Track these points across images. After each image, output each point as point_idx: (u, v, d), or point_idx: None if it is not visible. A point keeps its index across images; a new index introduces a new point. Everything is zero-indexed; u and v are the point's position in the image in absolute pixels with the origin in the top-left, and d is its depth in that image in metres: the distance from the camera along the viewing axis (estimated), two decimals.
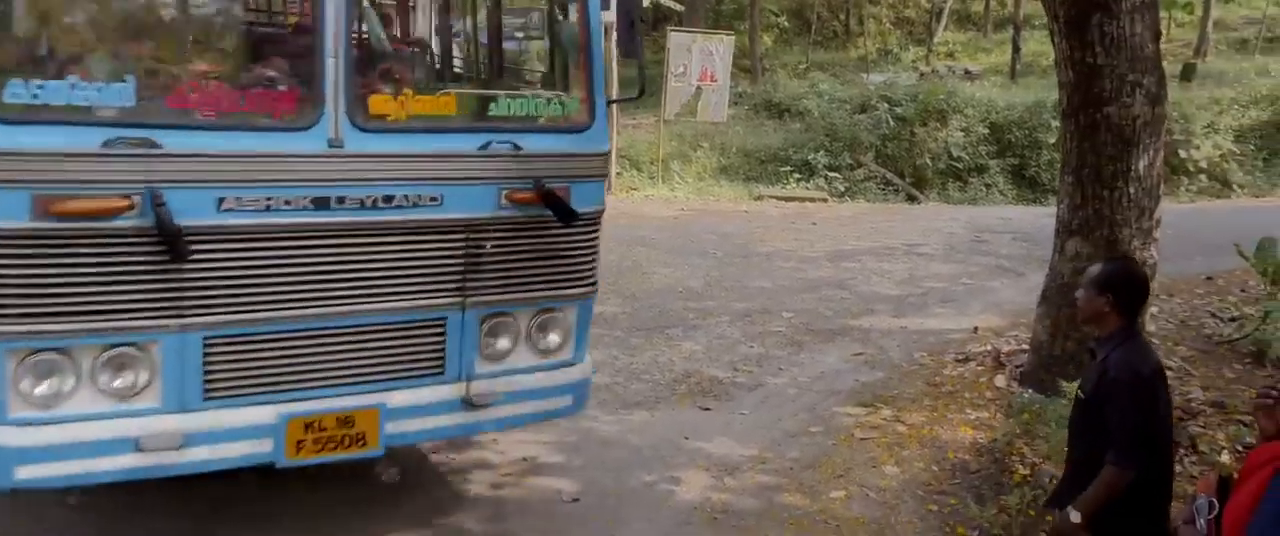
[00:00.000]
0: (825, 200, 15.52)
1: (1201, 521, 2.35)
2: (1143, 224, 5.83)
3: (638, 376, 6.63)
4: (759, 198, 15.34)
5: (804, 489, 4.99)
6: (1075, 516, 2.99)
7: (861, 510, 4.78)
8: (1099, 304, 3.10)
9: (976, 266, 10.13)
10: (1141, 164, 5.77)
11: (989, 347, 7.09)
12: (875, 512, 4.76)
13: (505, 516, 4.67)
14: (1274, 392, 2.35)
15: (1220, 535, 2.31)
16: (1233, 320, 7.47)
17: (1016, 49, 24.00)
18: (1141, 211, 5.82)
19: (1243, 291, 8.49)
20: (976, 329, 7.75)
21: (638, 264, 9.84)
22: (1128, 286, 3.12)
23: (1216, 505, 2.35)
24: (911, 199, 16.46)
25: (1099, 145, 5.78)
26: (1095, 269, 3.21)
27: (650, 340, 7.40)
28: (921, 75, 22.41)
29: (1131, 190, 5.78)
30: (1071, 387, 5.25)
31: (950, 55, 27.77)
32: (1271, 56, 22.44)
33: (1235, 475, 2.44)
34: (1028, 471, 4.93)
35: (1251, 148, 17.99)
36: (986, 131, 17.48)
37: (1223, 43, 26.63)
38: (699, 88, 15.50)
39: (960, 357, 7.02)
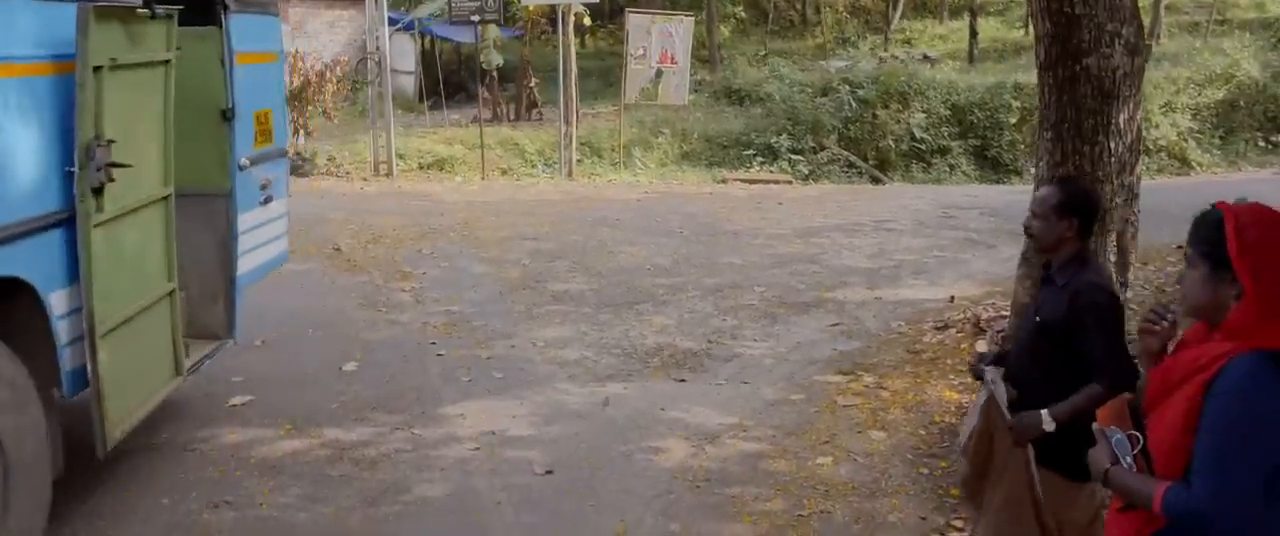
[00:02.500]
0: (790, 182, 15.37)
1: (1127, 459, 2.09)
2: (1124, 179, 5.66)
3: (608, 350, 6.37)
4: (723, 180, 15.16)
5: (789, 455, 4.76)
6: (1049, 423, 2.86)
7: (850, 474, 4.56)
8: (1061, 229, 2.96)
9: (947, 240, 9.99)
10: (1122, 117, 5.61)
11: (967, 315, 6.91)
12: (865, 476, 4.54)
13: (474, 489, 4.39)
14: (1170, 314, 2.18)
15: (1149, 467, 2.05)
16: None
17: (974, 33, 24.08)
18: (1123, 166, 5.65)
19: None
20: (953, 298, 7.58)
21: (603, 243, 9.59)
22: (1088, 208, 3.01)
23: (1139, 437, 2.10)
24: (875, 180, 16.36)
25: (1078, 98, 5.60)
26: (1050, 194, 3.02)
27: (619, 315, 7.15)
28: (881, 60, 22.35)
29: (1112, 144, 5.61)
30: None
31: (908, 41, 27.80)
32: (1223, 40, 22.63)
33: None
34: None
35: (1209, 126, 18.14)
36: (948, 113, 17.49)
37: (1174, 26, 26.91)
38: (659, 70, 15.31)
39: (939, 325, 6.84)
